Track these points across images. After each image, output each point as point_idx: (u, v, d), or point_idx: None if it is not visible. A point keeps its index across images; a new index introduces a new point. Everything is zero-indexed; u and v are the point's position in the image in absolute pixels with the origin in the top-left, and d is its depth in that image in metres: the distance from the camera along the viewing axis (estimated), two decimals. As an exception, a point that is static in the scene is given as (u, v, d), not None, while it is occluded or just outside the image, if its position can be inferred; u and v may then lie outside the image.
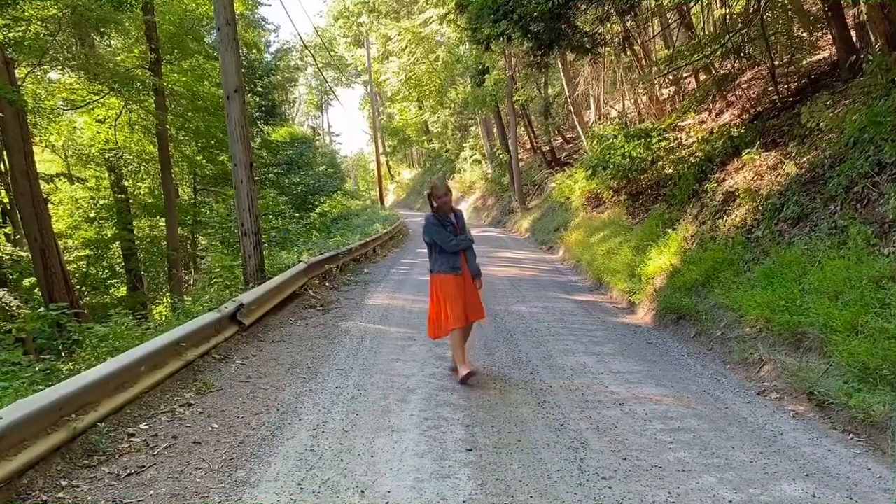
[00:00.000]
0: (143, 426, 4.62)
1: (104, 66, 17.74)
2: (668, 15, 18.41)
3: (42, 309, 7.69)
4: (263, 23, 39.38)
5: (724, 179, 9.90)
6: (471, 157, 37.86)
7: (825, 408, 4.75)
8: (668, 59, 15.14)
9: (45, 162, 24.64)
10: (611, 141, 14.79)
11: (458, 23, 29.14)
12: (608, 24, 15.12)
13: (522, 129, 31.34)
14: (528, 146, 32.46)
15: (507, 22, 10.94)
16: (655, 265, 9.40)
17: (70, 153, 23.62)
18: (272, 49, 46.74)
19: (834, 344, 5.13)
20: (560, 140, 30.57)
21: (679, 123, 15.96)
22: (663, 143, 15.02)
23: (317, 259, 11.23)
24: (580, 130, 20.50)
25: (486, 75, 27.18)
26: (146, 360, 5.20)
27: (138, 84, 19.03)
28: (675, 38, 18.15)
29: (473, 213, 34.28)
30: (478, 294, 6.23)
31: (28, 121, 17.03)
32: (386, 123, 48.58)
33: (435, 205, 6.19)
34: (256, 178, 24.86)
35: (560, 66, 20.15)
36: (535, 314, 9.03)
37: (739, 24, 14.53)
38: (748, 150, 9.66)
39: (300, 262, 10.57)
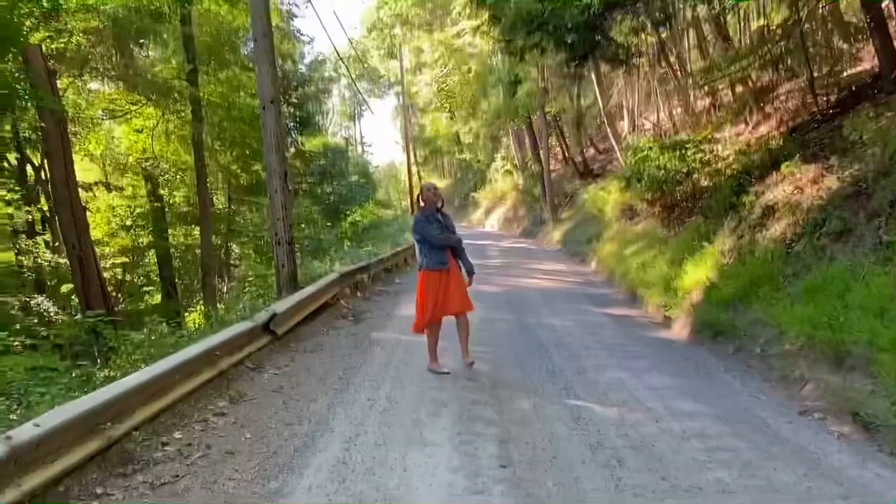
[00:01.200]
0: (176, 435, 4.65)
1: (142, 76, 18.08)
2: (703, 26, 18.24)
3: (79, 316, 7.79)
4: (298, 34, 39.92)
5: (762, 192, 9.71)
6: (502, 167, 37.80)
7: (871, 429, 4.59)
8: (705, 71, 14.96)
9: (85, 171, 25.26)
10: (646, 152, 14.62)
11: (491, 35, 29.21)
12: (643, 36, 15.01)
13: (554, 140, 31.21)
14: (560, 157, 32.31)
15: (542, 33, 10.90)
16: (692, 279, 9.24)
17: (108, 162, 24.17)
18: (306, 61, 47.33)
19: (880, 363, 4.97)
20: (592, 151, 30.37)
21: (715, 135, 15.74)
22: (699, 156, 14.81)
23: (349, 269, 11.27)
24: (613, 142, 20.35)
25: (519, 86, 27.12)
26: (181, 369, 5.23)
27: (175, 94, 19.40)
28: (711, 50, 17.95)
29: (504, 224, 34.24)
30: (464, 287, 6.70)
31: (68, 130, 17.50)
32: (417, 134, 48.77)
33: (422, 203, 6.72)
34: (291, 187, 25.21)
35: (594, 77, 20.03)
36: (567, 327, 8.93)
37: (778, 36, 14.32)
38: (787, 162, 9.46)
39: (332, 271, 10.61)
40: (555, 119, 28.84)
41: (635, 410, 5.38)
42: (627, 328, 9.06)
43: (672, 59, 17.73)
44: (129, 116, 20.55)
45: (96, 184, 20.56)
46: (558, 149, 32.29)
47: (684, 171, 14.41)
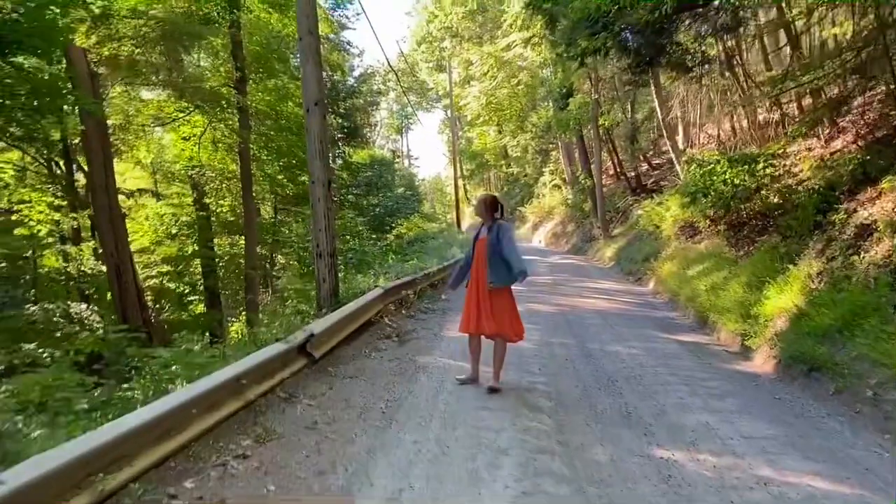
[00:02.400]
0: (187, 484, 3.85)
1: (190, 82, 17.70)
2: (775, 34, 17.07)
3: (101, 331, 7.13)
4: (348, 46, 39.71)
5: (854, 210, 8.61)
6: (550, 181, 36.78)
7: None
8: (777, 80, 13.80)
9: (136, 178, 25.16)
10: (712, 166, 13.54)
11: (542, 46, 28.37)
12: (709, 43, 13.98)
13: (606, 154, 30.08)
14: (611, 172, 31.14)
15: (607, 34, 10.00)
16: (775, 305, 8.18)
17: (157, 170, 23.99)
18: (356, 73, 47.19)
19: None
20: (645, 166, 29.19)
21: (784, 150, 14.57)
22: (769, 171, 13.69)
23: (394, 284, 10.47)
24: (672, 155, 19.20)
25: (570, 98, 26.21)
26: (200, 402, 4.46)
27: (223, 102, 19.01)
28: (783, 59, 16.77)
29: (552, 239, 33.17)
30: (506, 311, 6.27)
31: (110, 134, 17.15)
32: (464, 147, 48.09)
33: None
34: (336, 197, 24.63)
35: (653, 87, 18.96)
36: (635, 356, 7.94)
37: (860, 43, 13.11)
38: (891, 177, 8.34)
39: (377, 286, 9.82)
40: (607, 133, 27.76)
41: (735, 468, 4.41)
42: (702, 358, 8.01)
43: (737, 69, 16.60)
44: (176, 124, 20.25)
45: (139, 191, 20.23)
46: (609, 163, 31.14)
47: (753, 187, 13.32)
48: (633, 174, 28.39)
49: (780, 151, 13.83)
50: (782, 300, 8.10)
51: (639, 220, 22.25)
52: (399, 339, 8.53)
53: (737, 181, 13.14)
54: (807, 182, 13.50)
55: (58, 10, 9.25)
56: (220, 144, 21.14)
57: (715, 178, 13.40)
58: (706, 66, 13.09)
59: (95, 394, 6.14)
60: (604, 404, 5.85)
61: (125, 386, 6.42)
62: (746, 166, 13.23)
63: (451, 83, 36.72)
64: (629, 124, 27.04)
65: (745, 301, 8.98)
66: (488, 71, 36.61)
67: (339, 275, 14.06)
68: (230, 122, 19.89)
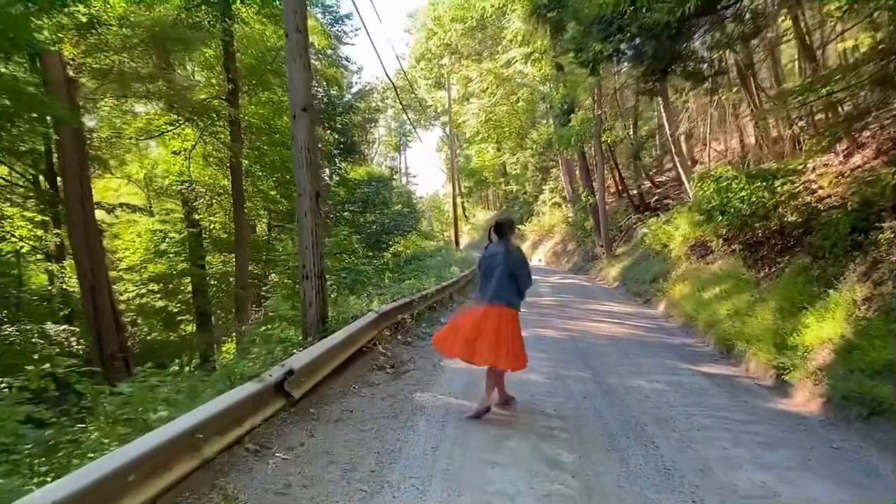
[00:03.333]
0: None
1: (180, 93, 16.80)
2: (787, 49, 16.28)
3: (48, 364, 6.13)
4: (346, 62, 39.02)
5: (903, 229, 7.68)
6: (550, 199, 35.91)
7: None
8: (796, 92, 12.92)
9: (129, 195, 24.19)
10: (728, 182, 12.64)
11: (543, 62, 27.61)
12: (724, 53, 13.14)
13: (608, 171, 29.26)
14: (613, 190, 30.31)
15: (622, 37, 9.12)
16: (816, 335, 7.20)
17: (148, 186, 23.04)
18: (354, 90, 46.49)
19: None
20: (648, 184, 28.36)
21: (796, 167, 13.69)
22: (786, 187, 12.80)
23: (389, 308, 9.48)
24: (681, 171, 18.32)
25: (572, 114, 25.39)
26: (138, 467, 3.48)
27: (214, 114, 18.16)
28: (794, 74, 15.97)
29: (553, 258, 32.23)
30: (504, 339, 5.68)
31: (96, 147, 16.25)
32: (463, 165, 47.26)
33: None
34: (331, 213, 23.70)
35: (660, 101, 18.12)
36: (661, 393, 6.95)
37: (880, 54, 12.27)
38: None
39: (370, 310, 8.83)
40: (610, 149, 26.93)
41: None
42: (736, 395, 7.03)
43: (749, 80, 15.76)
44: (165, 136, 19.37)
45: (123, 206, 19.27)
46: (611, 181, 30.31)
47: (771, 204, 12.42)
48: (635, 192, 27.57)
49: (799, 167, 12.94)
50: (825, 329, 7.13)
51: (644, 239, 21.34)
52: (394, 370, 7.54)
53: (754, 198, 12.24)
54: (828, 199, 12.62)
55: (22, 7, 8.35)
56: (212, 159, 20.27)
57: (731, 194, 12.49)
58: (721, 78, 12.21)
59: (47, 433, 5.18)
60: (636, 458, 4.86)
61: (78, 427, 5.47)
62: (764, 183, 12.34)
63: (449, 100, 35.95)
64: (632, 141, 26.23)
65: (777, 329, 8.00)
66: (487, 88, 35.90)
67: (333, 296, 13.13)
68: (221, 136, 19.03)
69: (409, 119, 43.61)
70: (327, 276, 14.43)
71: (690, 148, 20.80)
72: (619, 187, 29.36)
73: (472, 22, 37.32)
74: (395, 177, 44.39)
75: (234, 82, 18.10)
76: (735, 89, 15.69)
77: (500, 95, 35.58)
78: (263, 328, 8.64)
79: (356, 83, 47.13)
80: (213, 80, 19.01)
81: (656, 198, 26.47)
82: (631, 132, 27.02)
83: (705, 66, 11.53)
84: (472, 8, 35.26)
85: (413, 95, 46.68)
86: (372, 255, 24.17)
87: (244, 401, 4.77)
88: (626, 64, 11.08)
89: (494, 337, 5.63)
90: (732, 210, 12.25)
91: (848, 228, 8.71)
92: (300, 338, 7.59)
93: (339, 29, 30.76)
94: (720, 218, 12.55)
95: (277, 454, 4.64)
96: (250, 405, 4.88)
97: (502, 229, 6.09)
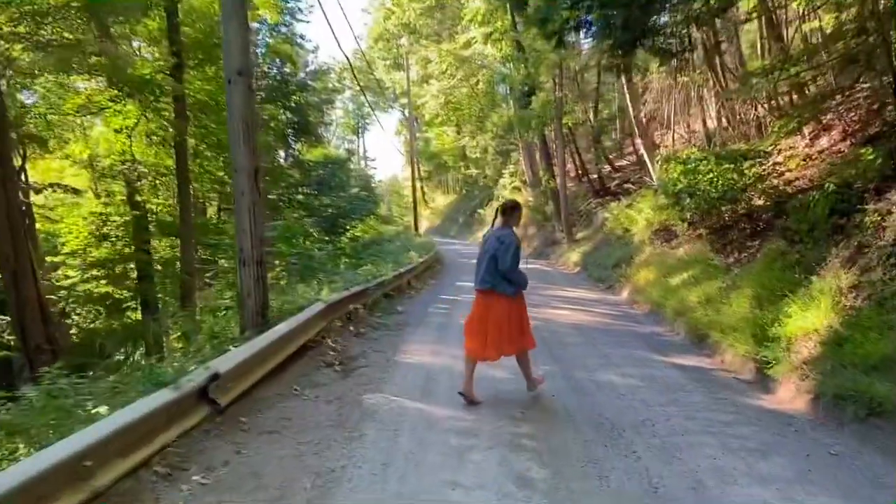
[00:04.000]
0: None
1: (120, 67, 15.56)
2: (752, 29, 15.78)
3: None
4: (301, 40, 37.64)
5: (889, 212, 7.16)
6: (510, 184, 35.28)
7: None
8: (766, 70, 12.42)
9: (75, 176, 22.68)
10: (696, 164, 12.11)
11: (503, 42, 26.86)
12: (691, 29, 12.56)
13: (568, 155, 28.73)
14: (573, 174, 29.78)
15: (591, 2, 8.42)
16: (799, 326, 6.65)
17: (90, 166, 21.61)
18: (310, 69, 45.03)
19: None
20: (608, 168, 27.93)
21: (765, 149, 13.26)
22: (755, 170, 12.34)
23: (340, 297, 8.67)
24: (644, 154, 17.78)
25: (533, 96, 24.69)
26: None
27: (156, 89, 16.96)
28: (759, 56, 15.50)
29: (512, 243, 31.58)
30: (482, 322, 5.73)
31: (6, 118, 14.95)
32: (422, 148, 46.31)
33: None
34: (283, 197, 22.66)
35: (624, 81, 17.51)
36: (634, 389, 6.32)
37: (850, 32, 11.82)
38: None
39: (318, 300, 8.00)
40: (570, 131, 26.38)
41: None
42: (714, 391, 6.43)
43: (716, 60, 15.24)
44: (107, 114, 18.07)
45: (52, 186, 17.97)
46: (571, 165, 29.78)
47: (741, 186, 11.96)
48: (596, 176, 27.10)
49: (769, 148, 12.49)
50: (809, 319, 6.57)
51: (605, 224, 20.87)
52: (343, 367, 6.76)
53: (723, 181, 11.74)
54: (796, 182, 12.21)
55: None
56: (155, 137, 19.00)
57: (700, 176, 11.97)
58: (689, 55, 11.63)
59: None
60: (617, 472, 4.18)
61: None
62: (733, 165, 11.85)
63: (408, 80, 34.96)
64: (593, 124, 25.71)
65: (756, 319, 7.43)
66: (447, 69, 34.99)
67: (283, 282, 12.22)
68: (165, 113, 17.83)
69: (367, 101, 42.44)
70: (276, 263, 13.57)
71: (653, 131, 20.35)
72: (580, 171, 28.87)
73: (430, 1, 36.35)
74: (352, 159, 43.28)
75: (179, 56, 16.90)
76: (699, 72, 15.16)
77: (459, 77, 34.71)
78: (198, 320, 7.75)
79: (312, 62, 45.76)
80: (157, 54, 17.74)
81: (617, 182, 26.05)
82: (592, 116, 26.46)
83: (674, 41, 10.91)
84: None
85: (371, 76, 45.47)
86: (329, 239, 23.24)
87: (155, 413, 3.96)
88: (592, 38, 10.39)
89: (481, 325, 5.70)
90: (701, 193, 11.74)
91: (826, 211, 8.20)
92: (236, 334, 6.74)
93: (294, 5, 29.56)
94: (688, 201, 12.03)
95: (194, 477, 3.83)
96: (163, 417, 4.06)
97: (505, 213, 5.89)
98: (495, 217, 6.02)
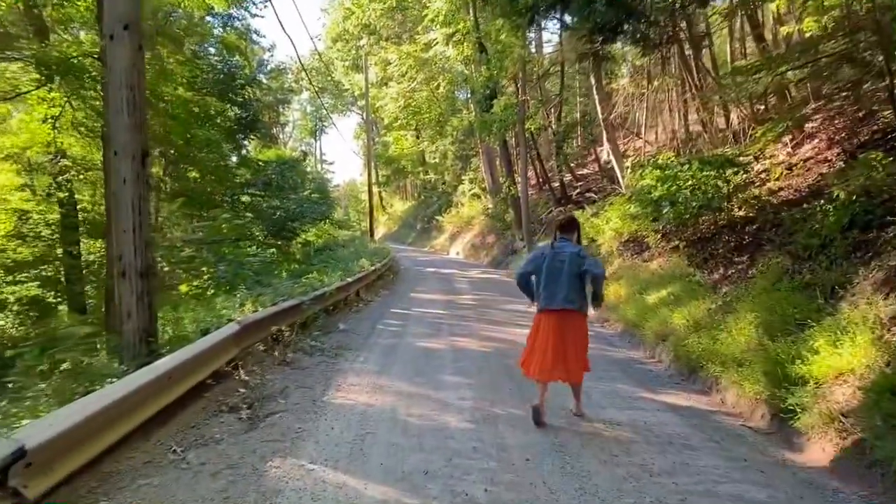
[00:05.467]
0: None
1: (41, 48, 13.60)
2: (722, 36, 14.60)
3: None
4: (256, 36, 35.63)
5: (929, 225, 5.82)
6: (469, 190, 33.81)
7: None
8: (749, 70, 11.14)
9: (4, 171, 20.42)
10: (676, 171, 10.76)
11: (465, 44, 25.42)
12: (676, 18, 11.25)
13: (529, 162, 27.40)
14: (534, 182, 28.48)
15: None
16: (830, 365, 5.23)
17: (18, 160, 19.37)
18: (266, 69, 42.96)
19: None
20: (569, 177, 26.71)
21: (753, 154, 12.03)
22: (739, 177, 11.08)
23: (261, 315, 6.95)
24: (613, 160, 16.41)
25: (495, 100, 23.26)
26: None
27: (84, 75, 15.00)
28: (744, 54, 14.35)
29: (471, 251, 30.15)
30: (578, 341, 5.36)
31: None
32: (381, 152, 44.51)
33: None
34: (227, 198, 20.69)
35: (593, 81, 16.15)
36: (627, 445, 4.81)
37: (841, 31, 10.65)
38: None
39: (232, 320, 6.29)
40: (532, 138, 25.05)
41: None
42: (728, 447, 4.96)
43: (692, 63, 13.98)
44: (24, 97, 15.96)
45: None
46: (532, 173, 28.47)
47: (725, 195, 10.67)
48: (557, 184, 25.82)
49: (756, 155, 11.24)
50: (844, 358, 5.15)
51: (568, 233, 19.48)
52: (251, 412, 5.07)
53: (706, 188, 10.42)
54: (781, 192, 10.99)
55: None
56: (83, 129, 16.92)
57: (680, 183, 10.63)
58: (668, 50, 10.30)
59: None
60: None
61: None
62: (717, 171, 10.55)
63: (366, 82, 33.20)
64: (556, 130, 24.43)
65: (768, 352, 5.99)
66: (407, 72, 33.35)
67: (208, 294, 10.42)
68: (94, 103, 15.83)
69: (322, 103, 40.47)
70: (203, 271, 11.71)
71: (621, 137, 19.12)
72: (541, 179, 27.59)
73: (391, 2, 34.71)
74: (308, 160, 41.33)
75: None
76: (674, 75, 13.87)
77: (420, 80, 33.13)
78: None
79: (268, 61, 43.71)
80: (84, 35, 15.76)
81: (578, 191, 24.85)
82: (553, 123, 25.18)
83: (657, 30, 9.55)
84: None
85: (329, 79, 43.55)
86: (277, 243, 21.40)
87: None
88: (571, 19, 8.96)
89: (561, 346, 5.27)
90: (682, 201, 10.38)
91: (843, 223, 6.85)
92: (112, 368, 5.00)
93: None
94: (667, 209, 10.66)
95: None
96: None
97: (564, 229, 5.55)
98: (556, 233, 5.57)
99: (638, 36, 9.11)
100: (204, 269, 10.80)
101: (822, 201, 7.80)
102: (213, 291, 9.61)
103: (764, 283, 7.56)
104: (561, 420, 5.39)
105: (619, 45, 10.49)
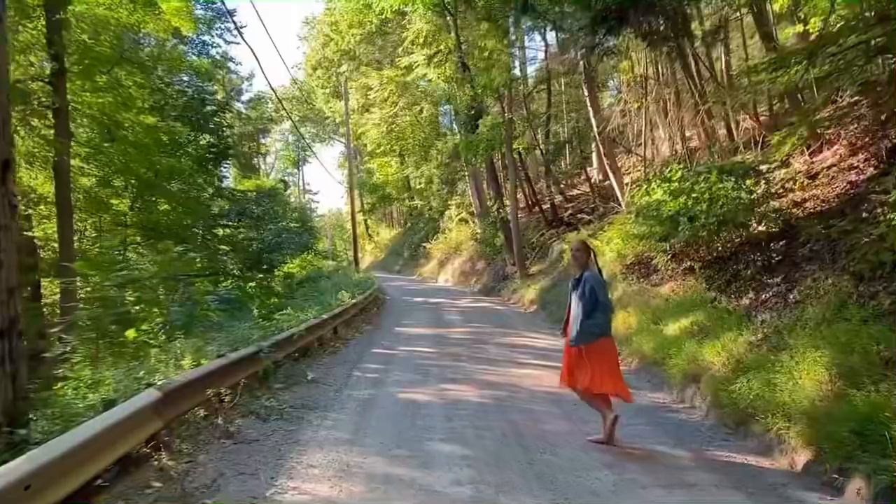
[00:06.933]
0: None
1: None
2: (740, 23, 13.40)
3: None
4: (233, 63, 34.46)
5: None
6: (457, 215, 32.43)
7: None
8: (764, 68, 9.87)
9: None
10: (691, 182, 9.40)
11: (447, 65, 24.26)
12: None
13: (517, 184, 26.11)
14: (523, 204, 27.16)
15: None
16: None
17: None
18: (244, 98, 41.70)
19: None
20: (560, 198, 25.43)
21: (778, 161, 10.74)
22: (761, 188, 9.73)
23: (197, 375, 5.39)
24: (612, 176, 15.07)
25: (480, 120, 22.00)
26: None
27: (34, 101, 13.61)
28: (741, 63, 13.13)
29: (460, 278, 28.66)
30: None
31: None
32: (365, 179, 43.13)
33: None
34: (200, 230, 19.15)
35: (587, 93, 14.86)
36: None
37: (873, 22, 9.40)
38: None
39: (148, 385, 4.73)
40: (521, 159, 23.77)
41: None
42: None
43: (693, 68, 12.73)
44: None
45: None
46: (521, 195, 27.17)
47: (747, 207, 9.31)
48: (548, 206, 24.53)
49: (779, 162, 9.92)
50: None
51: (563, 256, 18.09)
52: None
53: (727, 200, 9.06)
54: (806, 203, 9.68)
55: None
56: (37, 158, 15.41)
57: (697, 195, 9.26)
58: (683, 40, 9.00)
59: None
60: None
61: None
62: (738, 181, 9.21)
63: (346, 107, 31.90)
64: (544, 150, 23.18)
65: (852, 405, 4.53)
66: (388, 97, 32.16)
67: (159, 340, 8.75)
68: (41, 131, 14.40)
69: (298, 132, 39.12)
70: (156, 312, 10.01)
71: (617, 153, 17.85)
72: (530, 201, 26.30)
73: (371, 27, 33.62)
74: (288, 188, 39.87)
75: (60, 61, 13.57)
76: (678, 78, 12.61)
77: (402, 105, 31.93)
78: None
79: (246, 90, 42.47)
80: (32, 57, 14.33)
81: (570, 212, 23.57)
82: (542, 141, 23.96)
83: (665, 22, 8.23)
84: (370, 13, 31.61)
85: (309, 108, 42.30)
86: (260, 277, 19.87)
87: None
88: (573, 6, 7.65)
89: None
90: (702, 215, 8.99)
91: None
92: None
93: (223, 26, 26.56)
94: (684, 226, 9.25)
95: None
96: None
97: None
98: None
99: (645, 28, 7.77)
100: (156, 310, 9.23)
101: (883, 209, 6.43)
102: (163, 336, 8.06)
103: (820, 311, 6.12)
104: (585, 498, 3.88)
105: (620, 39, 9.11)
